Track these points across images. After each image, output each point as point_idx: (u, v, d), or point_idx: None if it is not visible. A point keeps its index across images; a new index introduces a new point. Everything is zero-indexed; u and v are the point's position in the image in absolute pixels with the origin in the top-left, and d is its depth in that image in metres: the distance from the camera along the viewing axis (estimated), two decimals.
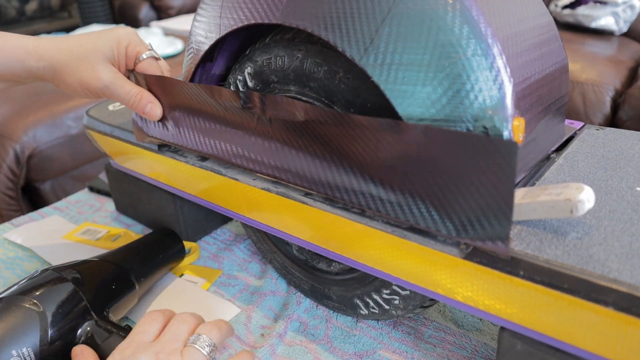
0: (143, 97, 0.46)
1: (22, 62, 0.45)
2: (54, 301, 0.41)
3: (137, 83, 0.48)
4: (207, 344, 0.37)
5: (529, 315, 0.30)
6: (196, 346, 0.37)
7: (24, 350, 0.38)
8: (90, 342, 0.41)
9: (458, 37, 0.30)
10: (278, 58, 0.40)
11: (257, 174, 0.42)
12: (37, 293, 0.41)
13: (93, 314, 0.43)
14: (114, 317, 0.46)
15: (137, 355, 0.36)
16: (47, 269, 0.44)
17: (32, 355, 0.38)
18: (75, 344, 0.41)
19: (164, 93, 0.46)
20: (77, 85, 0.45)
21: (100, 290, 0.45)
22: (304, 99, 0.39)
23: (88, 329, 0.42)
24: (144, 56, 0.48)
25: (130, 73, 0.49)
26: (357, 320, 0.48)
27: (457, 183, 0.29)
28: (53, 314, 0.40)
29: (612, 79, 1.38)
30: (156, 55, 0.49)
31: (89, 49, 0.45)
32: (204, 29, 0.43)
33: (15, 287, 0.41)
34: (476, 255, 0.31)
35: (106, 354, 0.40)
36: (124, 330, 0.42)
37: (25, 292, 0.41)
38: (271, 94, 0.39)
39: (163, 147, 0.51)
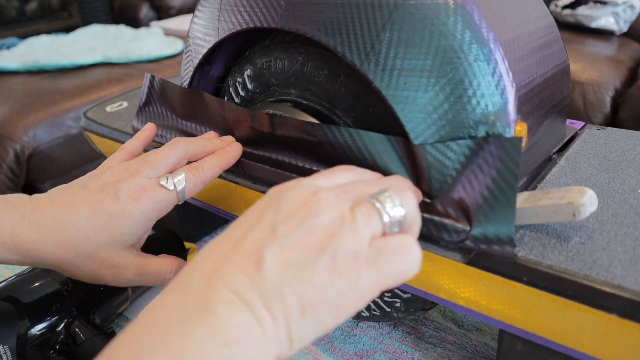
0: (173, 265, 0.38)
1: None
2: (35, 299, 0.40)
3: (156, 88, 0.47)
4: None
5: (531, 319, 0.30)
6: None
7: (0, 347, 0.37)
8: (69, 343, 0.41)
9: (460, 42, 0.30)
10: (278, 61, 0.40)
11: (259, 178, 0.42)
12: (20, 290, 0.40)
13: (76, 314, 0.42)
14: (101, 319, 0.45)
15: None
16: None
17: (9, 353, 0.37)
18: (54, 343, 0.40)
19: (177, 102, 0.46)
20: (92, 279, 0.36)
21: (87, 291, 0.44)
22: (305, 102, 0.39)
23: (69, 329, 0.41)
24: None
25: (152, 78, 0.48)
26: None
27: (461, 185, 0.29)
28: (33, 311, 0.39)
29: (612, 78, 1.38)
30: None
31: (100, 239, 0.33)
32: (202, 31, 0.43)
33: (2, 283, 0.41)
34: (479, 260, 0.30)
35: (84, 356, 0.39)
36: (106, 334, 0.41)
37: (7, 288, 0.40)
38: (277, 111, 0.40)
39: None
